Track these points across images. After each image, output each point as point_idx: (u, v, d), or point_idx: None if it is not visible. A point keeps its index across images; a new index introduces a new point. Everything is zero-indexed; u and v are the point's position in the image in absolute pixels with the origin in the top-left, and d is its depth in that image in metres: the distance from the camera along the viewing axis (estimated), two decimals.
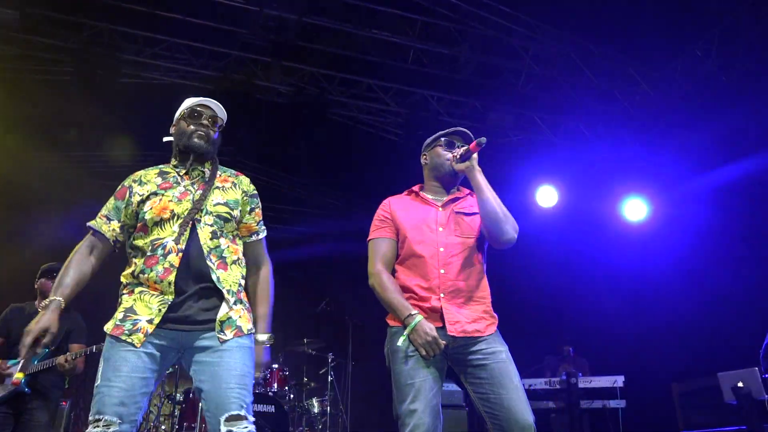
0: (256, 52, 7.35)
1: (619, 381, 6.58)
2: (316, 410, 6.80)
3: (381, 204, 2.91)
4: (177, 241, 2.36)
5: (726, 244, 7.10)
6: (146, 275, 2.33)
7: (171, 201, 2.44)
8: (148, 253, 2.36)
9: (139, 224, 2.44)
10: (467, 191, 2.91)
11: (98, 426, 2.15)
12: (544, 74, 7.67)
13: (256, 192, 2.69)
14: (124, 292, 2.39)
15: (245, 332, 2.39)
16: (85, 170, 8.79)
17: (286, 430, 6.01)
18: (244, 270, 2.55)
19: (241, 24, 6.92)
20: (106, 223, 2.49)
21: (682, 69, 7.40)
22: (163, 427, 6.16)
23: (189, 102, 2.65)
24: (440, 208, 2.81)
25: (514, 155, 8.68)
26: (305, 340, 7.27)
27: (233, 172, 2.69)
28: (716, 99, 7.11)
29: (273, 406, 6.02)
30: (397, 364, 2.57)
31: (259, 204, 2.69)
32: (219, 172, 2.61)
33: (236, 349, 2.33)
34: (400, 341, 2.54)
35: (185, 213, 2.42)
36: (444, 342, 2.52)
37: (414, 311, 2.56)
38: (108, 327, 2.31)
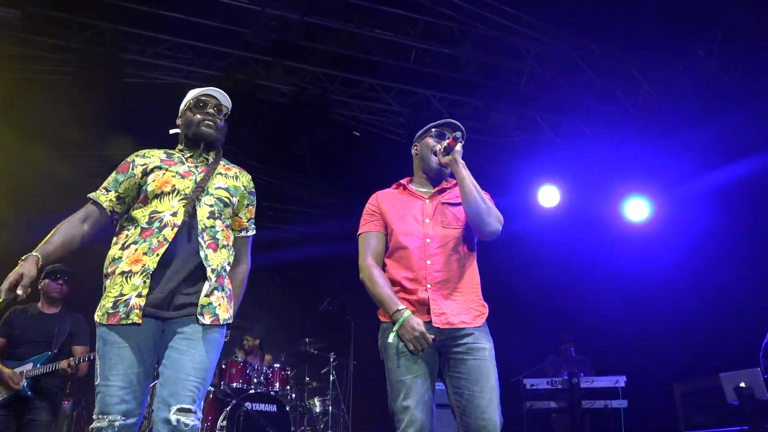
0: (258, 51, 7.36)
1: (621, 381, 6.58)
2: (317, 410, 6.81)
3: (369, 198, 2.94)
4: (174, 214, 2.41)
5: (728, 244, 7.09)
6: (137, 245, 2.35)
7: (174, 177, 2.49)
8: (144, 225, 2.39)
9: (140, 196, 2.48)
10: (455, 182, 2.91)
11: (101, 423, 2.19)
12: (546, 74, 7.66)
13: (254, 190, 2.76)
14: (108, 273, 2.38)
15: (221, 322, 2.41)
16: (87, 170, 8.80)
17: (288, 429, 6.02)
18: (231, 258, 2.58)
19: (243, 24, 6.93)
20: (104, 194, 2.53)
21: (684, 69, 7.40)
22: None
23: (193, 93, 2.70)
24: (427, 200, 2.83)
25: (516, 155, 8.68)
26: (307, 339, 7.28)
27: (237, 166, 2.76)
28: (718, 99, 7.10)
29: (275, 406, 6.04)
30: (389, 360, 2.58)
31: (254, 202, 2.75)
32: (223, 162, 2.69)
33: (205, 342, 2.35)
34: (391, 337, 2.55)
35: (186, 190, 2.46)
36: (432, 336, 2.52)
37: (401, 306, 2.57)
38: (100, 318, 2.31)
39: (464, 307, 2.63)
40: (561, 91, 7.89)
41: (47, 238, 2.39)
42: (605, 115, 8.22)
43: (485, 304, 2.71)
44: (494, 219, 2.67)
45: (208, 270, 2.40)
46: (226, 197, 2.55)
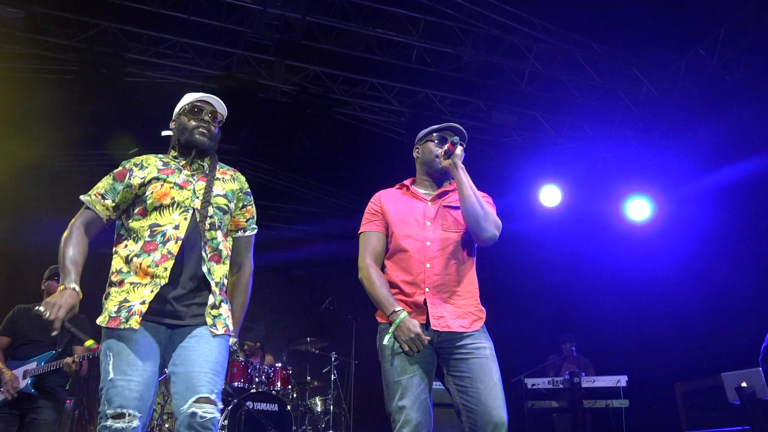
0: (259, 51, 7.36)
1: (622, 381, 6.57)
2: (319, 409, 6.81)
3: (372, 197, 2.94)
4: (177, 228, 2.39)
5: (729, 244, 7.08)
6: (141, 259, 2.34)
7: (173, 188, 2.46)
8: (146, 239, 2.38)
9: (138, 207, 2.46)
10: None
11: (121, 421, 2.13)
12: (547, 74, 7.66)
13: (249, 190, 2.73)
14: (114, 282, 2.37)
15: (231, 333, 2.45)
16: (88, 169, 8.82)
17: (289, 428, 6.02)
18: (228, 269, 2.57)
19: (245, 23, 6.93)
20: (100, 201, 2.49)
21: (686, 69, 7.39)
22: (167, 425, 6.18)
23: (189, 97, 2.67)
24: (429, 203, 2.82)
25: (518, 155, 8.68)
26: (308, 338, 7.28)
27: (231, 168, 2.73)
28: (720, 99, 7.09)
29: (276, 405, 6.04)
30: (385, 361, 2.59)
31: (252, 202, 2.72)
32: (218, 166, 2.65)
33: (215, 340, 2.36)
34: (386, 339, 2.56)
35: (185, 201, 2.45)
36: (428, 338, 2.53)
37: (398, 307, 2.57)
38: (102, 320, 2.31)
39: (462, 312, 2.63)
40: (563, 90, 7.89)
41: (67, 263, 2.35)
42: (607, 115, 8.22)
43: (483, 308, 2.71)
44: (491, 225, 2.65)
45: (212, 284, 2.41)
46: (224, 204, 2.54)
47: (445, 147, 2.78)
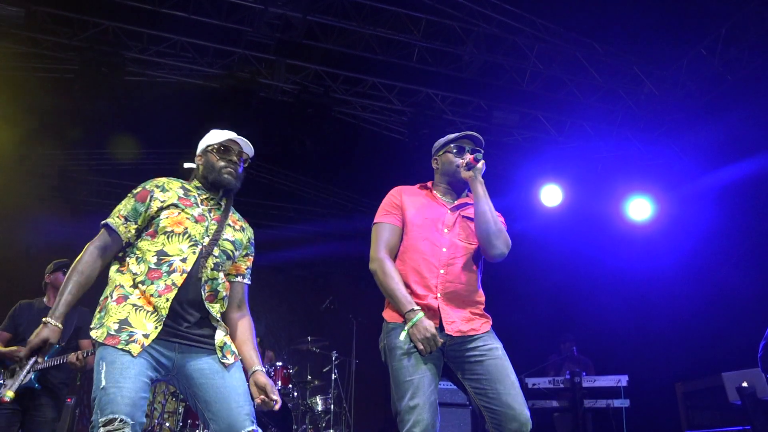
0: (260, 50, 7.36)
1: (623, 380, 6.57)
2: (319, 408, 6.81)
3: (392, 190, 2.91)
4: (184, 260, 2.41)
5: (730, 244, 7.08)
6: (145, 287, 2.35)
7: (188, 219, 2.48)
8: (152, 265, 2.38)
9: (150, 228, 2.46)
10: None
11: (111, 426, 2.12)
12: (548, 73, 7.66)
13: (254, 242, 2.78)
14: (114, 297, 2.36)
15: (239, 357, 2.52)
16: (89, 168, 8.82)
17: (290, 427, 6.02)
18: (225, 309, 2.61)
19: (246, 22, 6.93)
20: (124, 224, 2.47)
21: (688, 68, 7.38)
22: (167, 424, 6.19)
23: (217, 136, 2.71)
24: (449, 210, 2.82)
25: (519, 154, 8.67)
26: (309, 338, 7.28)
27: (241, 217, 2.77)
28: (722, 98, 7.09)
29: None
30: (395, 360, 2.57)
31: (253, 253, 2.78)
32: (231, 212, 2.70)
33: (234, 369, 2.45)
34: (402, 336, 2.55)
35: (197, 235, 2.47)
36: (441, 340, 2.54)
37: (416, 306, 2.57)
38: (100, 335, 2.28)
39: (471, 317, 2.67)
40: (564, 90, 7.88)
41: (65, 294, 2.34)
42: (608, 115, 8.21)
43: (489, 316, 2.75)
44: (502, 243, 2.70)
45: (214, 316, 2.47)
46: (230, 250, 2.57)
47: (467, 159, 2.79)
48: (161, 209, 2.47)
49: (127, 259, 2.45)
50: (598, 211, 8.51)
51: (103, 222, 2.49)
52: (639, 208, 8.28)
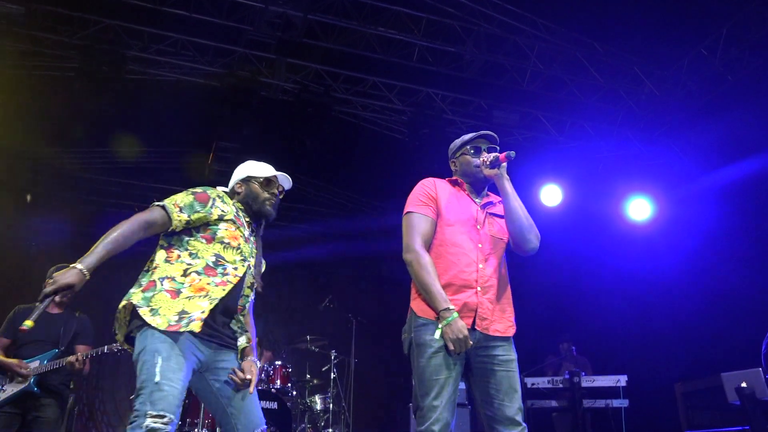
0: (261, 49, 7.36)
1: (622, 380, 6.57)
2: (318, 407, 6.81)
3: (424, 180, 2.88)
4: (236, 269, 2.63)
5: (730, 244, 7.08)
6: (200, 277, 2.53)
7: (241, 236, 2.72)
8: (209, 263, 2.58)
9: (205, 233, 2.62)
10: (497, 198, 2.93)
11: (161, 422, 2.26)
12: (549, 73, 7.66)
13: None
14: (166, 287, 2.49)
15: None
16: (89, 166, 8.81)
17: (289, 426, 6.03)
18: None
19: (247, 21, 6.93)
20: (178, 212, 2.59)
21: (688, 68, 7.38)
22: None
23: (263, 169, 2.92)
24: (479, 207, 2.84)
25: (519, 154, 8.59)
26: (308, 337, 7.28)
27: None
28: (722, 98, 7.09)
29: (276, 403, 6.04)
30: (423, 357, 2.57)
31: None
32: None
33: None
34: (437, 334, 2.55)
35: (247, 253, 2.71)
36: (471, 342, 2.55)
37: (452, 306, 2.56)
38: (161, 324, 2.39)
39: (502, 316, 2.71)
40: (564, 90, 7.88)
41: (100, 245, 2.39)
42: (608, 114, 8.21)
43: (513, 321, 2.79)
44: (534, 236, 2.76)
45: (239, 324, 2.74)
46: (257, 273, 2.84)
47: (491, 157, 2.81)
48: (221, 219, 2.65)
49: (177, 251, 2.60)
50: (598, 211, 8.51)
51: (158, 203, 2.60)
52: (639, 208, 8.28)
